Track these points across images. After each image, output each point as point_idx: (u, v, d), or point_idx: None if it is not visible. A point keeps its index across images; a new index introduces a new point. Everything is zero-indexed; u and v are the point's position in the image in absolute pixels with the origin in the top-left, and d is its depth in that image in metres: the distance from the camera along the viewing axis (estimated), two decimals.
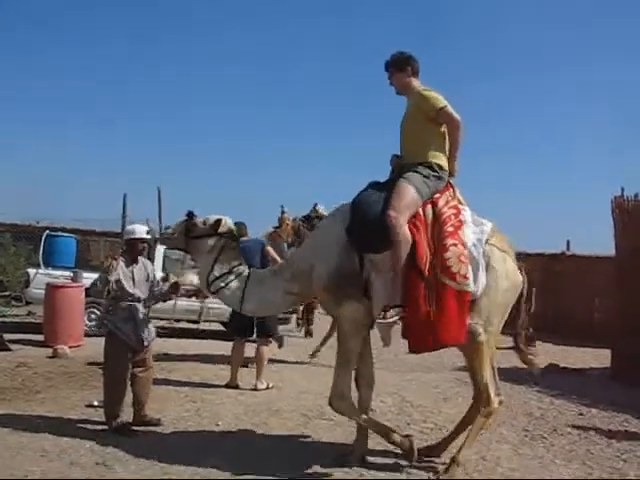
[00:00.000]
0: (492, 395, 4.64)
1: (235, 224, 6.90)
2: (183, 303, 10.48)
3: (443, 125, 4.66)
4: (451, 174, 4.75)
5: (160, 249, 11.65)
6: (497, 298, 4.59)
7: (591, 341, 12.62)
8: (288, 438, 5.38)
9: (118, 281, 5.39)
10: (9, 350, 8.85)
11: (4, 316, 12.31)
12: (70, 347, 9.12)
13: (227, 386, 7.24)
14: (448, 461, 4.53)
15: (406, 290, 4.35)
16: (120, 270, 5.44)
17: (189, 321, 11.75)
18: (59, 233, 13.25)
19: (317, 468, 4.56)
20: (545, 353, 11.77)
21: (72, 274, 10.52)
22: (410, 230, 4.38)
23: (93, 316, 10.88)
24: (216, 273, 4.89)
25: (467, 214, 4.69)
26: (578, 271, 14.94)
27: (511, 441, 5.54)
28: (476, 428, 4.66)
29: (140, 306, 5.50)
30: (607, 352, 9.90)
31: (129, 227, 5.98)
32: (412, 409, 6.56)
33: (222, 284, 4.89)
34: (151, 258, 12.59)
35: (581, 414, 6.79)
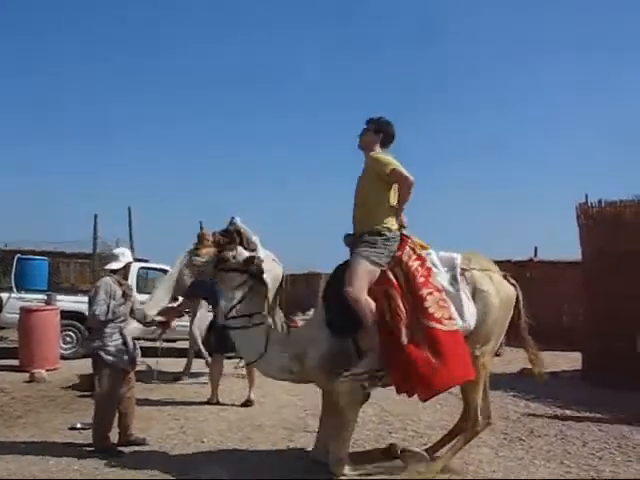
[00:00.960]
0: (480, 418, 4.87)
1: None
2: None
3: (393, 186, 4.83)
4: (401, 226, 4.90)
5: (134, 269, 11.66)
6: (492, 318, 4.78)
7: (561, 345, 12.88)
8: (273, 452, 5.47)
9: (120, 305, 5.49)
10: None
11: None
12: (47, 370, 9.07)
13: (208, 403, 7.29)
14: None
15: (394, 350, 4.42)
16: (113, 292, 5.49)
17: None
18: (30, 256, 13.12)
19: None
20: (517, 358, 12.01)
21: (46, 297, 10.45)
22: (385, 296, 4.53)
23: (68, 339, 10.83)
24: (235, 312, 4.91)
25: (433, 257, 4.87)
26: (546, 277, 15.25)
27: (491, 444, 5.70)
28: (459, 444, 4.90)
29: (128, 327, 5.60)
30: (577, 355, 10.17)
31: (124, 250, 6.04)
32: (392, 418, 6.68)
33: (238, 325, 4.92)
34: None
35: (556, 415, 6.99)
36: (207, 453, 5.39)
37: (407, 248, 4.75)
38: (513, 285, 5.07)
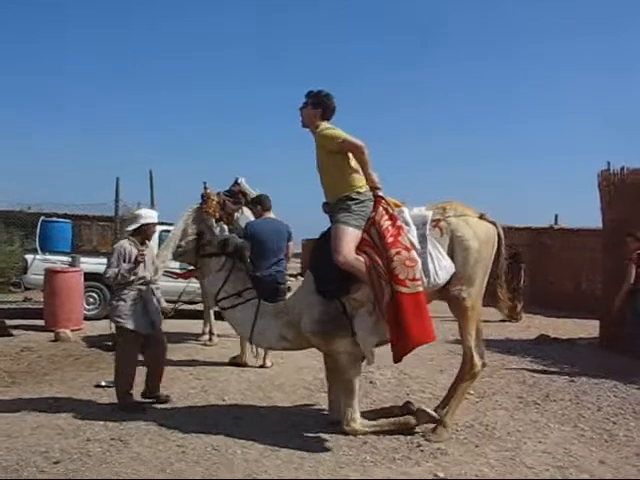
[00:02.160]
0: (475, 358, 4.96)
1: (258, 197, 7.00)
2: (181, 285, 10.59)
3: (349, 153, 4.84)
4: (376, 188, 4.89)
5: (156, 232, 11.78)
6: (473, 260, 4.88)
7: (579, 312, 12.92)
8: (293, 410, 5.60)
9: (130, 269, 5.46)
10: (11, 335, 9.00)
11: (2, 302, 12.40)
12: (71, 330, 9.28)
13: (237, 364, 7.41)
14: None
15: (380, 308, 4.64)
16: (127, 255, 5.52)
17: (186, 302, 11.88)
18: (54, 219, 13.30)
19: (324, 437, 4.78)
20: (536, 325, 12.09)
21: (70, 259, 10.63)
22: (364, 257, 4.68)
23: (91, 300, 11.03)
24: (224, 293, 5.19)
25: (404, 215, 4.92)
26: (566, 245, 15.20)
27: (506, 407, 5.79)
28: (461, 390, 5.04)
29: (149, 288, 5.59)
30: (595, 322, 10.19)
31: (140, 211, 5.95)
32: (410, 381, 6.79)
33: (228, 305, 5.19)
34: None
35: (572, 381, 7.05)
36: (228, 410, 5.53)
37: (380, 208, 4.82)
38: (492, 223, 5.12)
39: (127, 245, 5.57)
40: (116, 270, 5.41)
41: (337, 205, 4.85)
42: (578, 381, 7.05)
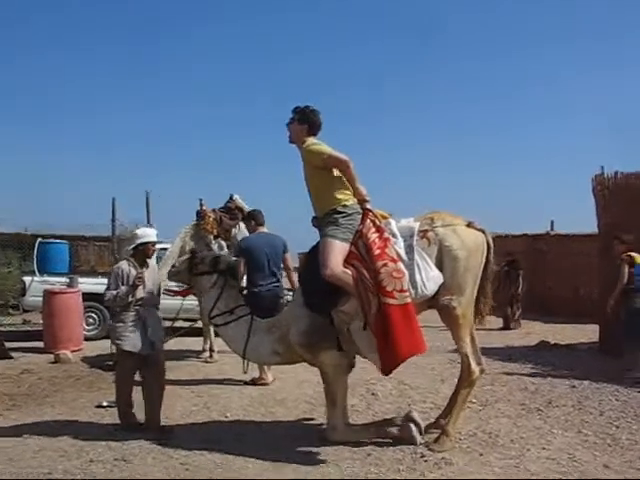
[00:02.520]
0: (472, 364, 4.96)
1: (251, 212, 7.03)
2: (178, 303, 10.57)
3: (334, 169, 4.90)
4: (364, 201, 4.94)
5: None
6: (461, 269, 4.89)
7: (578, 317, 12.92)
8: (296, 425, 5.60)
9: (129, 291, 5.32)
10: (11, 358, 8.97)
11: (0, 325, 12.36)
12: (71, 351, 9.25)
13: (254, 383, 7.33)
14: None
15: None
16: (125, 276, 5.38)
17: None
18: (51, 240, 13.29)
19: (328, 450, 4.77)
20: (535, 331, 12.10)
21: (68, 280, 10.61)
22: (351, 269, 4.70)
23: (91, 320, 11.01)
24: (217, 310, 5.27)
25: (391, 226, 4.95)
26: (563, 250, 15.23)
27: (509, 415, 5.79)
28: (461, 399, 5.03)
29: (150, 310, 5.45)
30: (594, 327, 10.20)
31: (137, 231, 5.69)
32: (412, 391, 6.79)
33: (221, 322, 5.28)
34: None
35: (573, 386, 7.05)
36: (230, 427, 5.52)
37: (367, 221, 4.85)
38: (481, 231, 5.12)
39: (125, 266, 5.45)
40: (114, 293, 5.31)
41: (325, 219, 4.88)
42: (580, 386, 7.06)
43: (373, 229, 4.81)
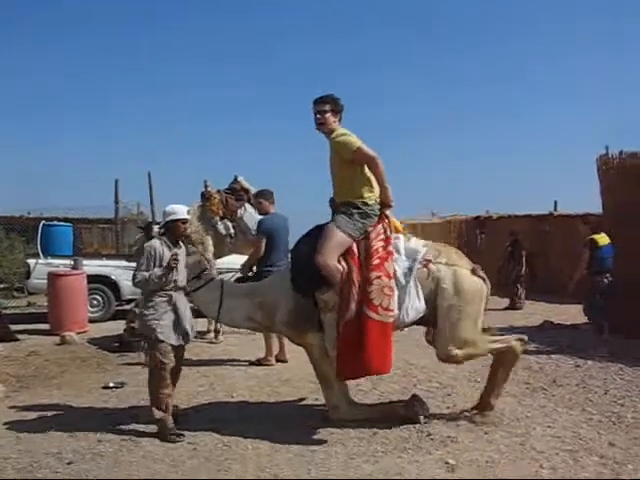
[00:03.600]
0: (513, 342, 5.00)
1: (263, 192, 7.05)
2: None
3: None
4: (386, 205, 4.90)
5: (156, 233, 11.80)
6: (455, 316, 4.79)
7: (581, 298, 12.91)
8: (301, 405, 5.63)
9: (161, 274, 4.78)
10: (17, 340, 9.00)
11: (5, 308, 12.41)
12: (76, 333, 9.29)
13: (260, 363, 7.41)
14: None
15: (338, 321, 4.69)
16: (158, 257, 4.84)
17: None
18: (55, 223, 13.30)
19: (334, 429, 4.80)
20: (539, 311, 12.11)
21: (72, 262, 10.63)
22: (343, 267, 4.70)
23: (95, 302, 11.05)
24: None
25: (399, 242, 4.93)
26: (566, 231, 15.18)
27: (514, 394, 5.80)
28: (504, 374, 5.16)
29: (181, 295, 4.95)
30: None
31: (167, 208, 5.06)
32: (417, 371, 6.81)
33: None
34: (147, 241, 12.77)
35: (577, 366, 7.08)
36: (237, 407, 5.55)
37: (379, 226, 4.83)
38: (482, 279, 4.97)
39: (158, 246, 4.86)
40: (146, 275, 4.74)
41: (340, 207, 4.87)
42: (584, 365, 7.08)
43: (381, 237, 4.79)
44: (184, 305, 4.94)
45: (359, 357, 4.55)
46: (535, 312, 12.10)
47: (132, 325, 8.29)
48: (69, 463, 4.21)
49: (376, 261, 4.66)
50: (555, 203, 16.71)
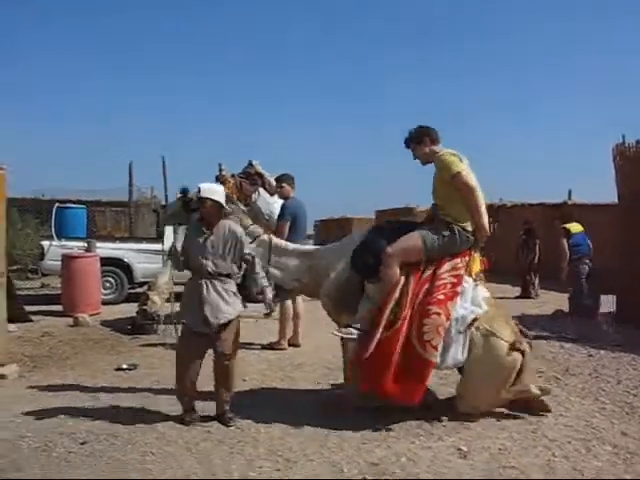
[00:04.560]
0: (533, 390, 4.84)
1: (284, 176, 7.08)
2: None
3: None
4: (482, 237, 4.83)
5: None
6: (482, 383, 4.63)
7: (595, 287, 12.83)
8: (314, 390, 5.64)
9: (183, 249, 4.71)
10: (31, 321, 9.08)
11: (19, 289, 12.52)
12: (90, 315, 9.35)
13: (272, 348, 7.46)
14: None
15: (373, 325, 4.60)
16: (183, 236, 4.78)
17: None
18: (68, 205, 13.37)
19: (347, 416, 4.81)
20: (552, 300, 12.05)
21: (86, 244, 10.69)
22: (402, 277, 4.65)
23: (108, 284, 11.11)
24: None
25: (468, 288, 4.78)
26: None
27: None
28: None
29: (214, 282, 4.61)
30: (611, 297, 10.15)
31: (201, 185, 4.73)
32: None
33: None
34: (160, 225, 12.84)
35: (590, 355, 7.05)
36: (249, 391, 5.57)
37: (457, 260, 4.76)
38: (522, 353, 4.67)
39: (194, 226, 4.79)
40: (175, 246, 4.76)
41: (436, 219, 4.83)
42: (596, 355, 7.06)
43: (454, 272, 4.72)
44: (216, 294, 4.58)
45: (393, 380, 4.45)
46: (548, 301, 12.04)
47: (144, 308, 8.36)
48: (83, 443, 4.24)
49: (440, 296, 4.57)
50: (569, 192, 16.61)
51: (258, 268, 4.77)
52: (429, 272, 4.71)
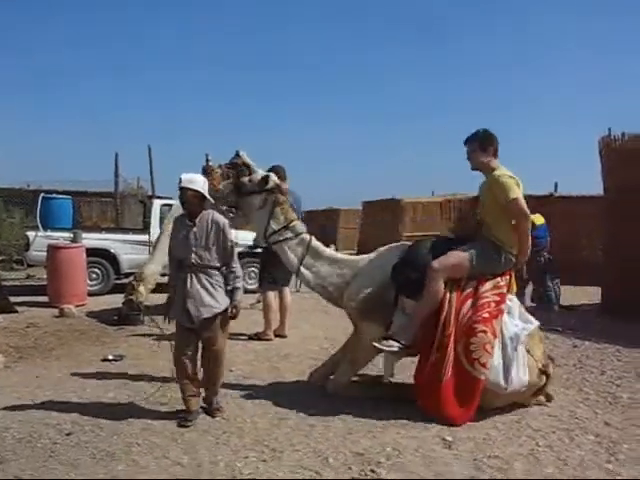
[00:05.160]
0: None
1: (276, 167, 7.03)
2: None
3: None
4: (521, 260, 4.83)
5: (156, 207, 11.78)
6: (505, 397, 4.65)
7: (580, 279, 12.93)
8: (300, 380, 5.64)
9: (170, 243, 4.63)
10: (16, 312, 9.02)
11: (4, 280, 12.44)
12: (75, 306, 9.31)
13: (259, 338, 7.48)
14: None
15: (427, 346, 4.61)
16: (177, 230, 4.62)
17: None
18: (54, 195, 13.27)
19: (336, 403, 4.83)
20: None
21: (72, 235, 10.62)
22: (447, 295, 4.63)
23: (94, 275, 11.06)
24: (273, 227, 5.18)
25: (514, 306, 4.80)
26: (566, 212, 15.17)
27: None
28: None
29: (199, 275, 4.48)
30: (596, 289, 10.24)
31: (182, 175, 4.55)
32: None
33: (280, 238, 5.17)
34: (146, 216, 12.78)
35: (575, 346, 7.12)
36: (235, 381, 5.57)
37: (499, 279, 4.75)
38: (547, 376, 4.80)
39: (179, 218, 4.70)
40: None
41: (482, 236, 4.80)
42: (581, 346, 7.12)
43: (496, 291, 4.70)
44: (200, 288, 4.46)
45: (443, 399, 4.45)
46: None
47: (131, 298, 8.32)
48: (68, 434, 4.23)
49: (485, 314, 4.55)
50: (555, 184, 16.67)
51: (235, 261, 4.64)
52: (470, 289, 4.70)
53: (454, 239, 5.00)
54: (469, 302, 4.64)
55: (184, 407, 4.57)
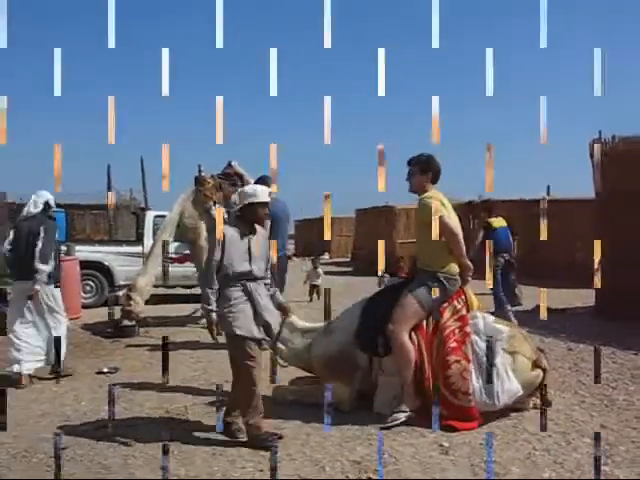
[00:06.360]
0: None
1: (264, 177, 7.04)
2: (178, 269, 10.53)
3: None
4: (466, 276, 4.84)
5: (149, 218, 11.76)
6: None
7: (574, 282, 12.96)
8: (296, 388, 5.62)
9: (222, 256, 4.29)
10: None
11: None
12: (70, 319, 9.26)
13: None
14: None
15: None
16: (229, 243, 4.31)
17: (183, 287, 11.84)
18: None
19: (331, 414, 4.81)
20: (530, 296, 12.14)
21: (65, 248, 10.59)
22: (413, 340, 4.66)
23: (88, 288, 11.04)
24: None
25: (479, 322, 4.78)
26: (559, 215, 15.24)
27: None
28: None
29: (260, 286, 4.38)
30: (589, 292, 10.26)
31: (247, 188, 4.59)
32: None
33: None
34: (140, 227, 12.77)
35: (570, 349, 7.14)
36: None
37: (454, 303, 4.78)
38: (544, 370, 4.84)
39: (230, 231, 4.35)
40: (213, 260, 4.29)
41: (419, 272, 4.81)
42: (576, 349, 7.14)
43: (456, 316, 4.74)
44: (263, 297, 4.35)
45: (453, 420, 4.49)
46: (527, 296, 12.13)
47: (129, 309, 8.27)
48: (64, 448, 4.18)
49: (453, 344, 4.59)
50: (548, 188, 16.78)
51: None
52: (432, 324, 4.73)
53: (404, 281, 5.01)
54: (436, 339, 4.67)
55: (258, 425, 4.25)
